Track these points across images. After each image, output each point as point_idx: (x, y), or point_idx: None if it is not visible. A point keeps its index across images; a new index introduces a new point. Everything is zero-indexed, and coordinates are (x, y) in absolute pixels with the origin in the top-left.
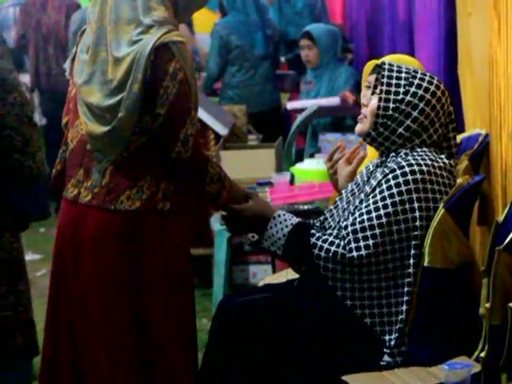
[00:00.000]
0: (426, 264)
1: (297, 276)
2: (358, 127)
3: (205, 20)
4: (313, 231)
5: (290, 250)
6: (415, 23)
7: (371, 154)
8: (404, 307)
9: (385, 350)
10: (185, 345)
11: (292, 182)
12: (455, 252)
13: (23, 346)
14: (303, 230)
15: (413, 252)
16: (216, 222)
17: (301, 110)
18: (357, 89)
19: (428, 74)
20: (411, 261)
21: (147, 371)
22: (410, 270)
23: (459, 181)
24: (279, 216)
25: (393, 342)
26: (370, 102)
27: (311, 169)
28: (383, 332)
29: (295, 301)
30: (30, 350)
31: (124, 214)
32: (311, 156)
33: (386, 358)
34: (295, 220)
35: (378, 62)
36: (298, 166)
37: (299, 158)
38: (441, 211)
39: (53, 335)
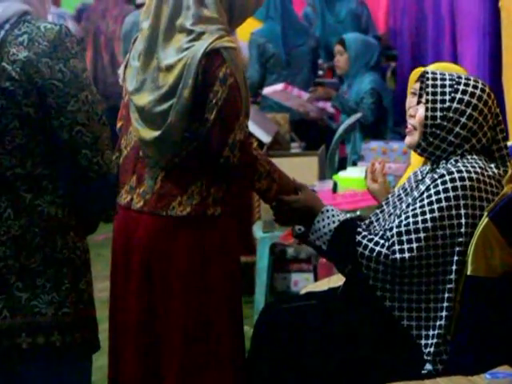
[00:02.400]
0: (468, 273)
1: (339, 284)
2: (408, 139)
3: (249, 28)
4: (359, 229)
5: (335, 245)
6: (459, 31)
7: (415, 162)
8: (444, 313)
9: (425, 357)
10: (235, 346)
11: (335, 189)
12: (498, 261)
13: (81, 342)
14: (350, 227)
15: (456, 258)
16: (258, 230)
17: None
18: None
19: (472, 79)
20: (454, 267)
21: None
22: (452, 277)
23: (504, 190)
24: (327, 211)
25: (430, 349)
26: (417, 113)
27: (354, 177)
28: (419, 336)
29: (337, 308)
30: (88, 347)
31: (175, 219)
32: (354, 164)
33: (428, 366)
34: (343, 216)
35: (425, 69)
36: (341, 174)
37: (341, 165)
38: (484, 220)
39: (114, 338)
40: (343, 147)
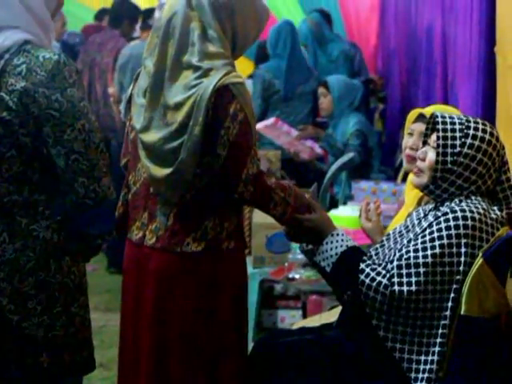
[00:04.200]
0: (462, 312)
1: (331, 321)
2: (417, 181)
3: (240, 66)
4: (365, 257)
5: (338, 269)
6: (452, 76)
7: (409, 201)
8: (436, 349)
9: None
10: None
11: None
12: (492, 302)
13: (69, 364)
14: (356, 254)
15: (452, 295)
16: (248, 265)
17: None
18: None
19: (480, 122)
20: (449, 304)
21: None
22: (447, 313)
23: (499, 231)
24: (337, 235)
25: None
26: (427, 156)
27: (346, 215)
28: (409, 369)
29: (333, 342)
30: (80, 367)
31: (190, 255)
32: (345, 203)
33: None
34: (352, 243)
35: (423, 110)
36: (333, 213)
37: (330, 204)
38: (479, 261)
39: (124, 374)
40: (331, 186)
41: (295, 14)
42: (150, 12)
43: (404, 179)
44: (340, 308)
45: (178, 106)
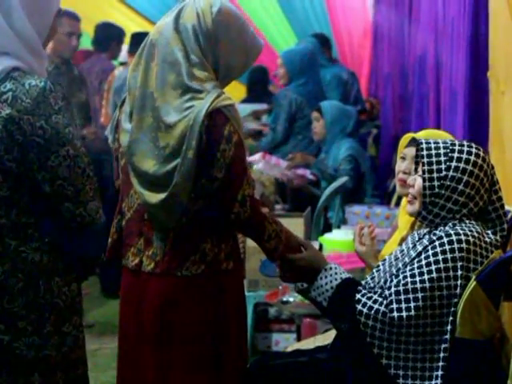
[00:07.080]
0: (456, 335)
1: (325, 343)
2: (410, 208)
3: (230, 91)
4: (360, 287)
5: (335, 302)
6: (444, 100)
7: (402, 225)
8: (439, 372)
9: None
10: None
11: (320, 251)
12: (485, 324)
13: (64, 383)
14: (351, 285)
15: (451, 319)
16: None
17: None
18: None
19: (465, 144)
20: (449, 327)
21: None
22: (447, 336)
23: (492, 255)
24: (331, 269)
25: None
26: (416, 183)
27: (339, 239)
28: None
29: (328, 365)
30: None
31: (190, 278)
32: (338, 227)
33: None
34: (345, 275)
35: (416, 135)
36: (327, 236)
37: (323, 228)
38: (472, 283)
39: None
40: (324, 211)
41: (288, 39)
42: (138, 35)
43: (397, 203)
44: (334, 331)
45: (169, 129)
